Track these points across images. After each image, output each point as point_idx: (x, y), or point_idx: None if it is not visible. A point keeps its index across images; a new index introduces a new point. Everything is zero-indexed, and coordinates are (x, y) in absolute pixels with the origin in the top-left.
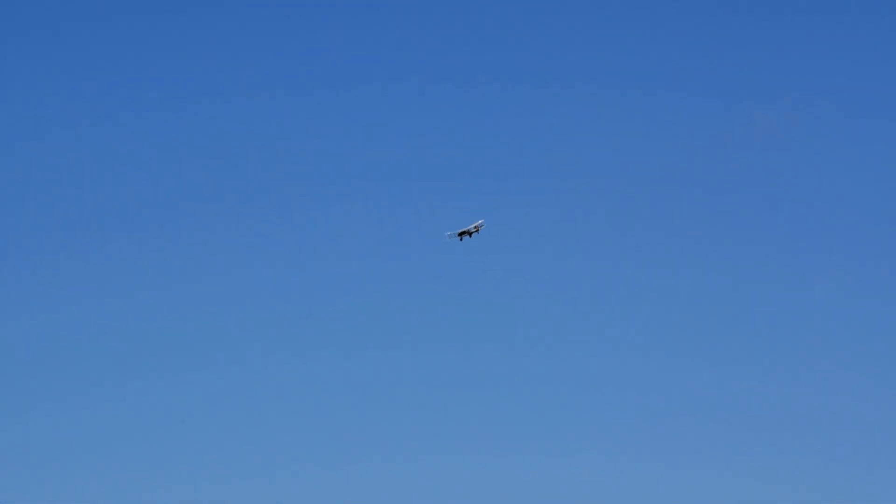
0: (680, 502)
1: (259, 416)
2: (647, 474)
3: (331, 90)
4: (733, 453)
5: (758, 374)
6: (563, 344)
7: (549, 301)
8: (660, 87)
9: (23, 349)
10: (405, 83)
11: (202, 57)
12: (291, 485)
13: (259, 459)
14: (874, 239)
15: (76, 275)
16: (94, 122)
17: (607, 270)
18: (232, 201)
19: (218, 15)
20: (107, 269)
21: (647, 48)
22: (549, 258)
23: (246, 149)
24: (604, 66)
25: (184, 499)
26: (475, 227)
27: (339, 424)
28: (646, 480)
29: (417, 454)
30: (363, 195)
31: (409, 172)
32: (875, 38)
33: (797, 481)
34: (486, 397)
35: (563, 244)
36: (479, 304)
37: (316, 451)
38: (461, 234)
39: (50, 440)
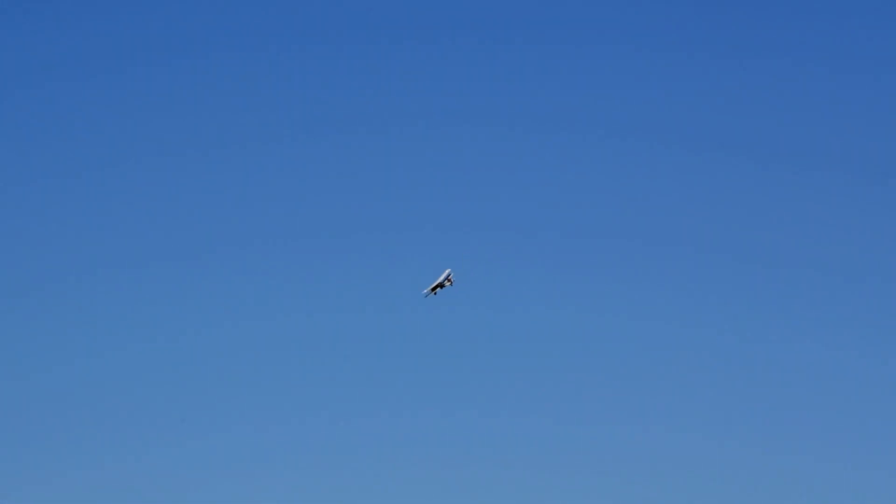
0: None
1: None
2: None
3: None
4: None
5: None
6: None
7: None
8: (666, 142)
9: (22, 349)
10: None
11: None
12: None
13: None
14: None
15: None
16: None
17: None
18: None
19: (216, 15)
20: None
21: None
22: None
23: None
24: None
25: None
26: (446, 278)
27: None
28: None
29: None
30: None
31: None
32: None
33: None
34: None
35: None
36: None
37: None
38: (434, 288)
39: (50, 439)
